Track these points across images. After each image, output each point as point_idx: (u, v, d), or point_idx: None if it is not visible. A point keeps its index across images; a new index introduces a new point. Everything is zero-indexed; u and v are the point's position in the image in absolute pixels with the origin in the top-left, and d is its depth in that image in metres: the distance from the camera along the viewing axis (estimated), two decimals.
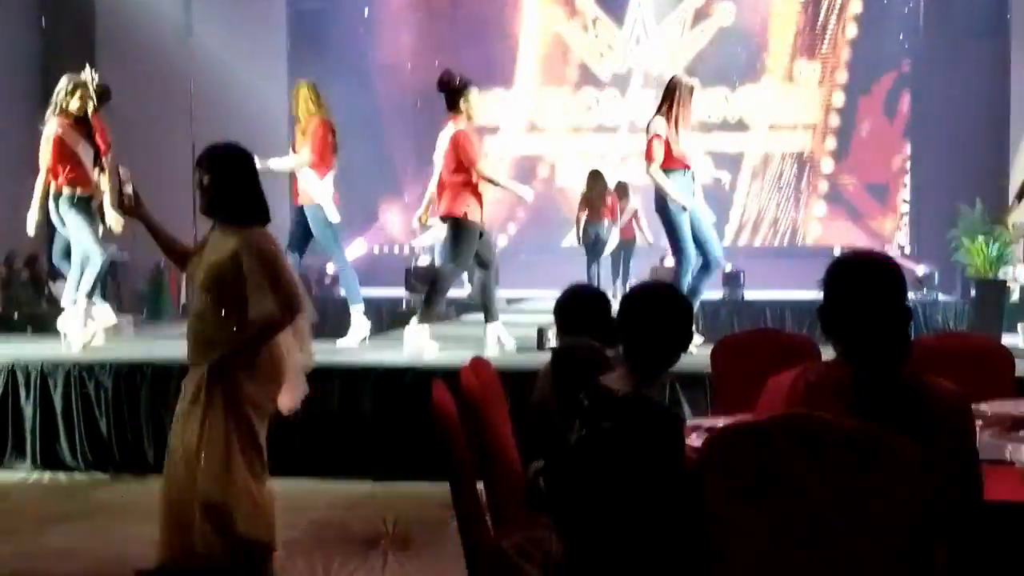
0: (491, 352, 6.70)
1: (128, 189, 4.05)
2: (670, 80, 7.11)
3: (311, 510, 5.38)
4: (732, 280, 13.51)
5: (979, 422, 3.07)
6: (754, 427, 2.26)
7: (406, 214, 16.79)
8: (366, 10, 17.98)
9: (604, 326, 3.58)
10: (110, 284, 15.19)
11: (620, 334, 2.83)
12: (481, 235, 7.01)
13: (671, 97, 7.01)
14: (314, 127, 7.33)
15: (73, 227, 7.03)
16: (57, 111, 7.08)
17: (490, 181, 7.08)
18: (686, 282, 6.85)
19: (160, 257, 15.54)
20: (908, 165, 17.04)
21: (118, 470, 6.15)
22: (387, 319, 12.43)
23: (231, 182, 3.88)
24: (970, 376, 3.63)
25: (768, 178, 17.56)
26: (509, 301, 14.37)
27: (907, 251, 16.26)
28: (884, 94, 17.01)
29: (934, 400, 2.35)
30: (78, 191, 7.06)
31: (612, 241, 13.35)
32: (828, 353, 2.56)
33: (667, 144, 6.91)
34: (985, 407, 3.33)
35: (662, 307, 2.81)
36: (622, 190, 13.78)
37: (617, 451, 2.61)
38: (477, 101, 7.06)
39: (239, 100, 13.30)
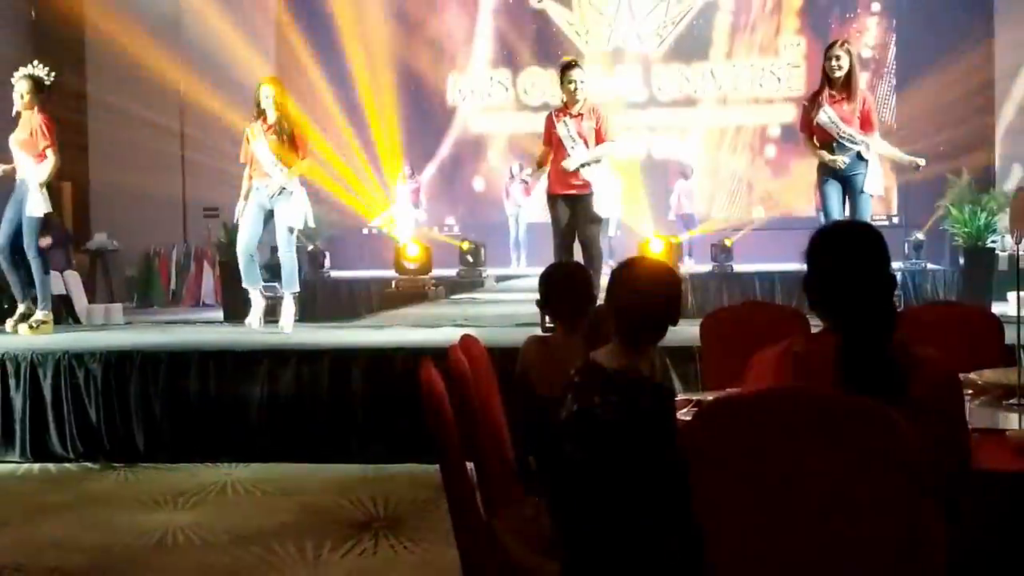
0: None
1: None
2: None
3: (302, 494, 5.37)
4: (722, 253, 13.56)
5: (969, 391, 3.06)
6: (742, 400, 2.24)
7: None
8: None
9: (588, 300, 3.59)
10: (99, 271, 15.27)
11: (609, 309, 2.81)
12: (571, 208, 7.25)
13: None
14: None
15: None
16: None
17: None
18: None
19: (150, 244, 15.74)
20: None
21: (108, 459, 6.12)
22: (376, 300, 12.43)
23: None
24: (959, 345, 3.63)
25: (755, 151, 17.58)
26: (498, 279, 14.42)
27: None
28: (870, 65, 17.02)
29: (921, 369, 2.33)
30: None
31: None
32: (817, 324, 2.55)
33: None
34: (975, 376, 3.32)
35: (649, 281, 2.79)
36: None
37: (608, 427, 2.59)
38: (568, 82, 7.25)
39: (228, 85, 13.22)
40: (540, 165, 7.50)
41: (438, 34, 18.00)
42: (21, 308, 7.62)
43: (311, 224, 7.69)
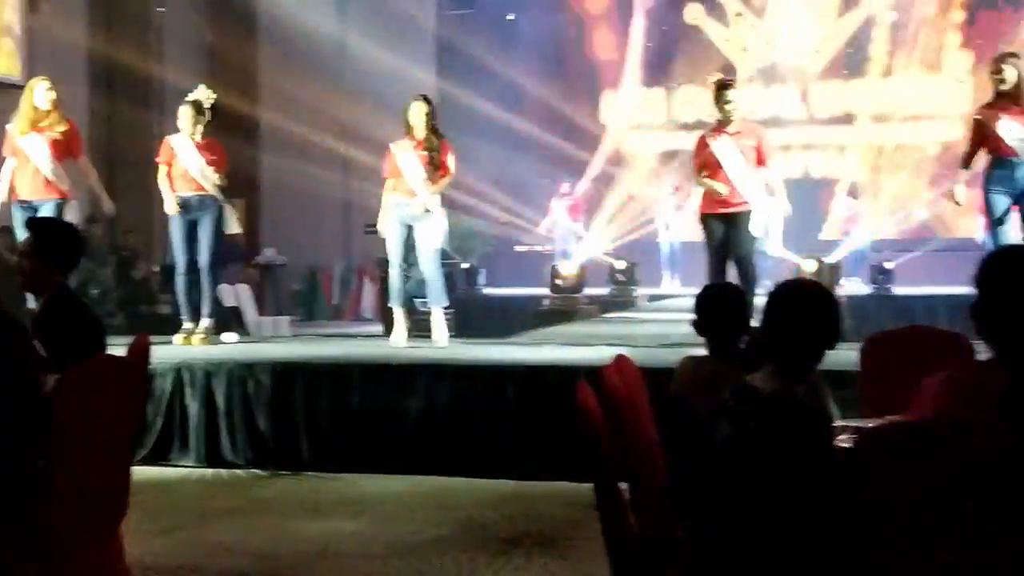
0: None
1: None
2: None
3: (457, 508, 5.47)
4: (882, 275, 13.21)
5: None
6: (904, 428, 2.21)
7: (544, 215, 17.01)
8: (512, 15, 18.15)
9: (742, 322, 3.59)
10: (268, 284, 15.88)
11: (765, 332, 2.81)
12: (726, 227, 7.18)
13: None
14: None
15: None
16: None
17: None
18: None
19: (314, 260, 16.31)
20: None
21: (276, 466, 6.35)
22: (529, 318, 12.54)
23: None
24: None
25: (918, 169, 17.08)
26: (650, 299, 14.37)
27: None
28: None
29: None
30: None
31: None
32: (984, 351, 2.49)
33: None
34: None
35: (807, 304, 2.78)
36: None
37: (764, 452, 2.59)
38: (724, 102, 7.21)
39: (390, 108, 13.58)
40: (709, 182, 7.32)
41: (591, 53, 18.10)
42: (188, 326, 7.88)
43: (445, 246, 7.81)
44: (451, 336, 7.73)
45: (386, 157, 7.63)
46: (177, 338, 7.80)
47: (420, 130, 7.47)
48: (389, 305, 7.84)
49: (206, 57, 15.11)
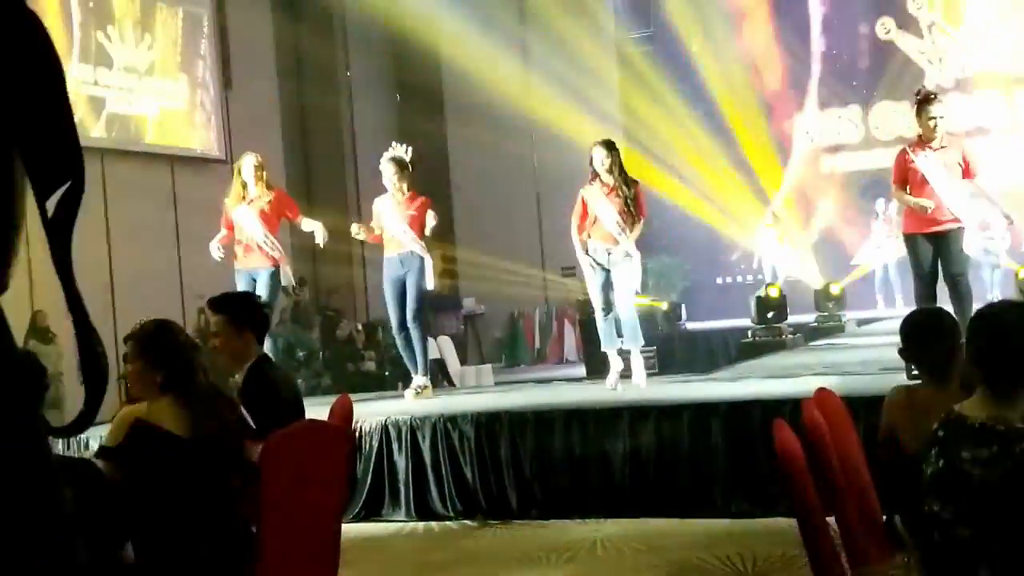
0: None
1: None
2: None
3: (669, 551, 5.40)
4: None
5: None
6: None
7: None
8: (695, 45, 18.03)
9: (953, 349, 3.39)
10: (469, 334, 16.24)
11: (972, 357, 2.68)
12: (935, 247, 6.81)
13: None
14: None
15: None
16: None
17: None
18: None
19: (515, 306, 16.59)
20: None
21: (485, 516, 6.42)
22: (733, 351, 12.32)
23: None
24: None
25: None
26: (859, 323, 13.88)
27: None
28: None
29: None
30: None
31: None
32: None
33: None
34: None
35: (1014, 324, 2.64)
36: None
37: (978, 483, 2.46)
38: (928, 118, 6.85)
39: (575, 137, 13.68)
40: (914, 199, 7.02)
41: (781, 74, 17.76)
42: (422, 381, 7.92)
43: (637, 288, 7.72)
44: (653, 374, 7.63)
45: (578, 202, 7.60)
46: (409, 392, 7.94)
47: (607, 176, 7.42)
48: (603, 350, 7.76)
49: (396, 121, 15.68)
